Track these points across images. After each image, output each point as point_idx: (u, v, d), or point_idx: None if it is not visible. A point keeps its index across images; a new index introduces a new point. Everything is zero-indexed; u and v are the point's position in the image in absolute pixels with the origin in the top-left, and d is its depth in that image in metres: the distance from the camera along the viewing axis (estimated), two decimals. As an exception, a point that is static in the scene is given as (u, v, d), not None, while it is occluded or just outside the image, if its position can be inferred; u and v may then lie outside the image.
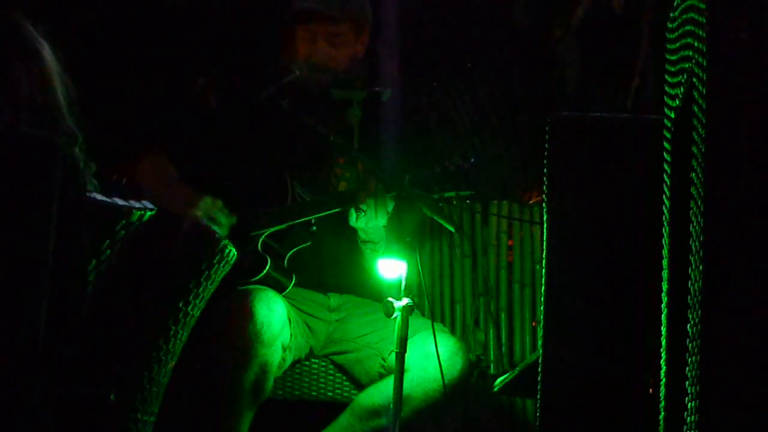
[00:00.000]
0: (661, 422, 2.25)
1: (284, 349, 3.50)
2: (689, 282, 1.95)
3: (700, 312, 1.86)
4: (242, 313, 3.40)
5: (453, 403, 3.76)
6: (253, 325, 3.39)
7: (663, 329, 2.27)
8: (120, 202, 2.45)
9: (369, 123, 3.72)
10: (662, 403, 2.25)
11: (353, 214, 3.53)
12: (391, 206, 3.55)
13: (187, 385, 3.37)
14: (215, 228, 3.56)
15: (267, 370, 3.43)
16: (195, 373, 3.41)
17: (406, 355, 3.23)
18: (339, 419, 3.51)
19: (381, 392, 3.43)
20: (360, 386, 3.62)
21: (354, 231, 3.62)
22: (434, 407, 3.49)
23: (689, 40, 2.03)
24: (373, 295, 3.69)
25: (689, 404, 1.92)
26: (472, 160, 3.54)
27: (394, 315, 3.15)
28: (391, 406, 3.17)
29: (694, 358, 1.90)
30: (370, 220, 3.53)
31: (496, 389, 3.63)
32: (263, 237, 3.59)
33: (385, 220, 3.54)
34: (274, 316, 3.43)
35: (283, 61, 3.77)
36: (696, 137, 1.93)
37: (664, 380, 2.24)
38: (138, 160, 3.74)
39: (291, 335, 3.53)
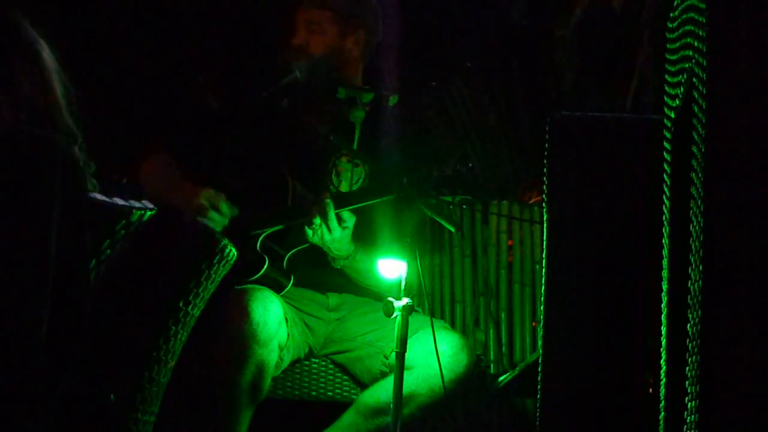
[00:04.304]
0: (661, 422, 2.25)
1: (281, 349, 3.49)
2: (689, 282, 1.95)
3: (700, 312, 1.86)
4: (238, 313, 3.40)
5: (458, 400, 3.76)
6: (249, 324, 3.39)
7: (663, 329, 2.27)
8: (120, 202, 2.45)
9: (371, 125, 3.72)
10: (662, 403, 2.25)
11: (309, 231, 3.51)
12: (352, 221, 3.52)
13: (186, 384, 3.37)
14: (216, 217, 3.57)
15: (264, 370, 3.42)
16: (193, 373, 3.41)
17: (411, 351, 3.23)
18: (343, 417, 3.51)
19: (385, 390, 3.42)
20: (361, 385, 3.62)
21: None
22: (440, 403, 3.49)
23: (689, 40, 2.03)
24: (373, 294, 3.69)
25: (689, 404, 1.92)
26: (470, 164, 3.54)
27: (394, 315, 3.15)
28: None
29: (694, 358, 1.90)
30: (324, 235, 3.50)
31: (496, 389, 3.64)
32: (262, 237, 3.59)
33: (340, 232, 3.50)
34: (270, 315, 3.43)
35: (283, 54, 3.78)
36: (696, 137, 1.93)
37: (664, 380, 2.24)
38: (143, 159, 3.75)
39: (288, 335, 3.52)
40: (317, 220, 3.47)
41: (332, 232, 3.48)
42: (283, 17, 3.86)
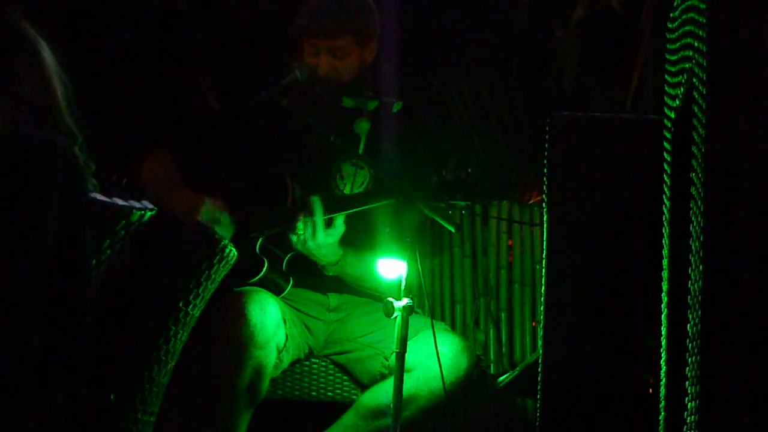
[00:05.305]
0: (661, 422, 2.25)
1: (279, 351, 3.49)
2: (689, 282, 1.95)
3: (700, 312, 1.86)
4: (235, 315, 3.40)
5: (458, 402, 3.76)
6: (247, 326, 3.39)
7: (663, 329, 2.27)
8: (120, 202, 2.45)
9: (375, 132, 3.72)
10: (662, 403, 2.25)
11: (293, 237, 3.50)
12: (340, 229, 3.51)
13: (185, 385, 3.37)
14: (218, 228, 3.56)
15: (262, 372, 3.42)
16: (192, 374, 3.41)
17: (411, 354, 3.23)
18: (343, 418, 3.51)
19: (386, 392, 3.42)
20: (361, 386, 3.62)
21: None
22: (440, 405, 3.49)
23: (689, 40, 2.03)
24: (373, 295, 3.69)
25: (689, 404, 1.92)
26: (469, 170, 3.53)
27: (394, 315, 3.15)
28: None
29: (694, 358, 1.90)
30: (308, 241, 3.49)
31: (496, 389, 3.63)
32: (261, 239, 3.58)
33: (323, 238, 3.49)
34: (268, 317, 3.43)
35: (290, 62, 3.77)
36: (696, 137, 1.93)
37: (664, 380, 2.24)
38: (143, 159, 3.75)
39: (287, 336, 3.52)
40: (300, 225, 3.46)
41: (316, 237, 3.47)
42: (288, 41, 3.83)
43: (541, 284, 2.70)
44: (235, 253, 2.75)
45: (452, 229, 3.61)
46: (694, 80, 1.96)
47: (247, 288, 3.52)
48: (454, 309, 4.03)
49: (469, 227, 4.04)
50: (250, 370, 3.40)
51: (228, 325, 3.40)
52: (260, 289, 3.53)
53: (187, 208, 3.56)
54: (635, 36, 4.39)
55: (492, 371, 3.95)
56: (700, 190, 1.89)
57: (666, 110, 2.32)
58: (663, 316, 2.28)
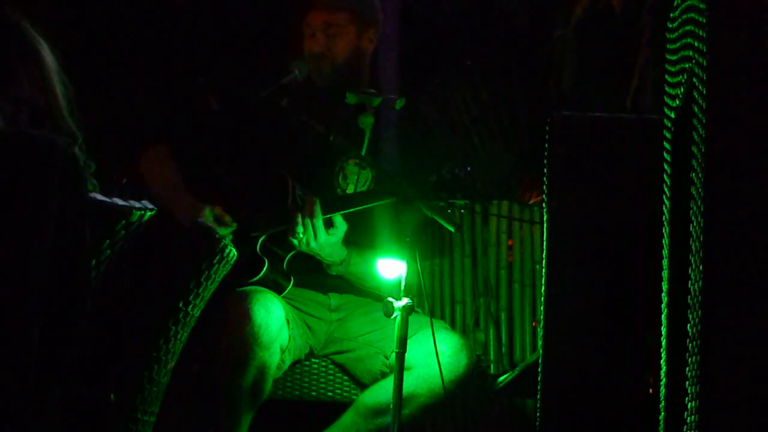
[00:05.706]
0: (661, 422, 2.25)
1: (282, 351, 3.49)
2: (689, 282, 1.95)
3: (700, 312, 1.86)
4: (240, 316, 3.40)
5: (458, 400, 3.76)
6: (251, 327, 3.38)
7: (663, 329, 2.28)
8: (120, 202, 2.45)
9: (380, 130, 3.72)
10: (662, 403, 2.25)
11: (295, 241, 3.51)
12: (342, 228, 3.50)
13: (187, 385, 3.37)
14: (218, 229, 3.56)
15: (265, 372, 3.42)
16: (194, 374, 3.41)
17: (410, 352, 3.23)
18: (343, 417, 3.51)
19: (385, 390, 3.42)
20: (362, 385, 3.62)
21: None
22: (439, 403, 3.49)
23: (689, 40, 2.03)
24: (374, 295, 3.69)
25: (689, 404, 1.92)
26: (468, 168, 3.53)
27: (394, 315, 3.15)
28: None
29: (694, 358, 1.90)
30: (310, 242, 3.50)
31: (496, 389, 3.64)
32: (262, 239, 3.58)
33: (326, 238, 3.50)
34: (272, 318, 3.43)
35: (289, 59, 3.77)
36: (696, 137, 1.93)
37: (664, 380, 2.24)
38: (143, 150, 3.75)
39: (290, 337, 3.52)
40: (300, 229, 3.46)
41: (317, 237, 3.47)
42: (287, 22, 3.85)
43: (541, 284, 2.70)
44: (235, 253, 2.75)
45: (452, 229, 3.61)
46: (694, 80, 1.96)
47: (251, 288, 3.52)
48: (454, 309, 4.03)
49: (469, 227, 4.04)
50: (253, 371, 3.40)
51: (232, 326, 3.40)
52: (264, 289, 3.53)
53: (186, 214, 3.56)
54: (635, 36, 4.39)
55: (492, 371, 3.95)
56: (700, 190, 1.89)
57: (666, 110, 2.32)
58: (663, 316, 2.28)
